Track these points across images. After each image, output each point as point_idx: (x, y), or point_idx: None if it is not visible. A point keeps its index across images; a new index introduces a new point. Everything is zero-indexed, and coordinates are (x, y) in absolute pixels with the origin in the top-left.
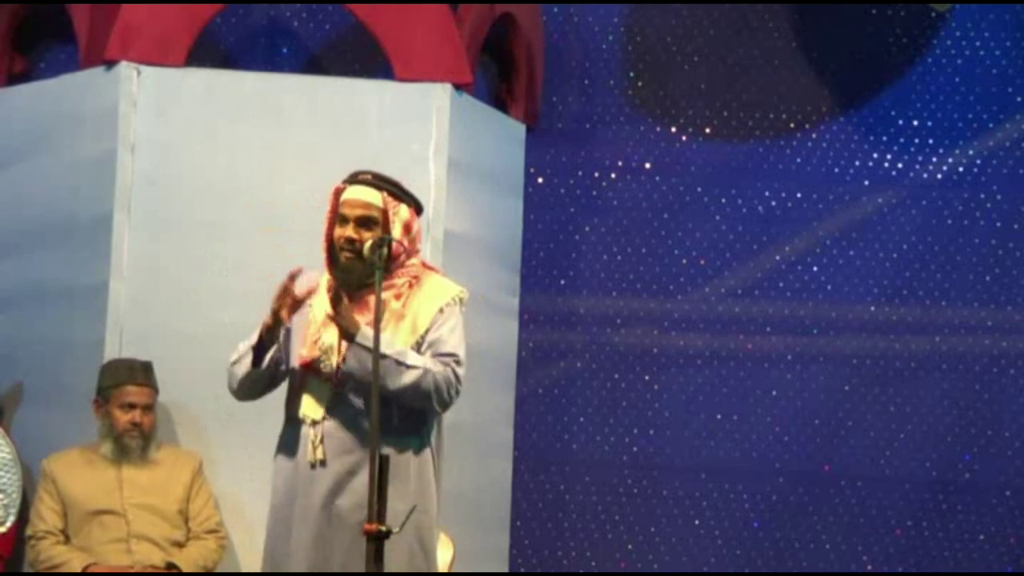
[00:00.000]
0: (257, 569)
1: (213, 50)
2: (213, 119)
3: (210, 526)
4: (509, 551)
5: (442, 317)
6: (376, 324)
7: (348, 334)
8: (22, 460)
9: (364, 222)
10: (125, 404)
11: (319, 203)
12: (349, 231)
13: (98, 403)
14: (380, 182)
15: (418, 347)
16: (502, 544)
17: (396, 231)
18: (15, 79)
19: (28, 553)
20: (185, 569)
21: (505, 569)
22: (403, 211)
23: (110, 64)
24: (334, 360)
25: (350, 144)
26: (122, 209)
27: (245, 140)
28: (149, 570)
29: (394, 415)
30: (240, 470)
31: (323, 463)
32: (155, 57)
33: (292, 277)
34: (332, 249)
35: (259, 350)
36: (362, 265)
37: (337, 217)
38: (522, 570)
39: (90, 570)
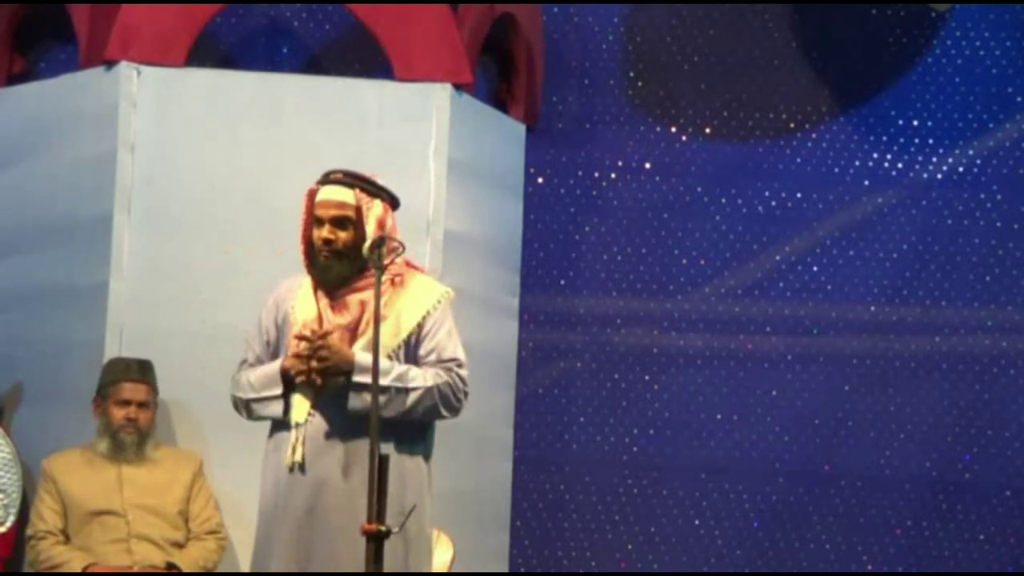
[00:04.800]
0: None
1: (213, 50)
2: (213, 119)
3: (210, 527)
4: (509, 551)
5: (433, 322)
6: (376, 325)
7: (346, 376)
8: (22, 460)
9: (338, 222)
10: (121, 400)
11: None
12: (325, 232)
13: (96, 402)
14: (352, 179)
15: (405, 347)
16: (502, 544)
17: (370, 228)
18: (15, 79)
19: (28, 553)
20: (185, 569)
21: (505, 569)
22: (376, 207)
23: (110, 64)
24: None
25: (350, 144)
26: (122, 209)
27: (245, 140)
28: (149, 570)
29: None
30: (240, 470)
31: (301, 466)
32: (155, 57)
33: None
34: (311, 250)
35: (285, 399)
36: (339, 265)
37: (313, 219)
38: (522, 570)
39: (90, 570)
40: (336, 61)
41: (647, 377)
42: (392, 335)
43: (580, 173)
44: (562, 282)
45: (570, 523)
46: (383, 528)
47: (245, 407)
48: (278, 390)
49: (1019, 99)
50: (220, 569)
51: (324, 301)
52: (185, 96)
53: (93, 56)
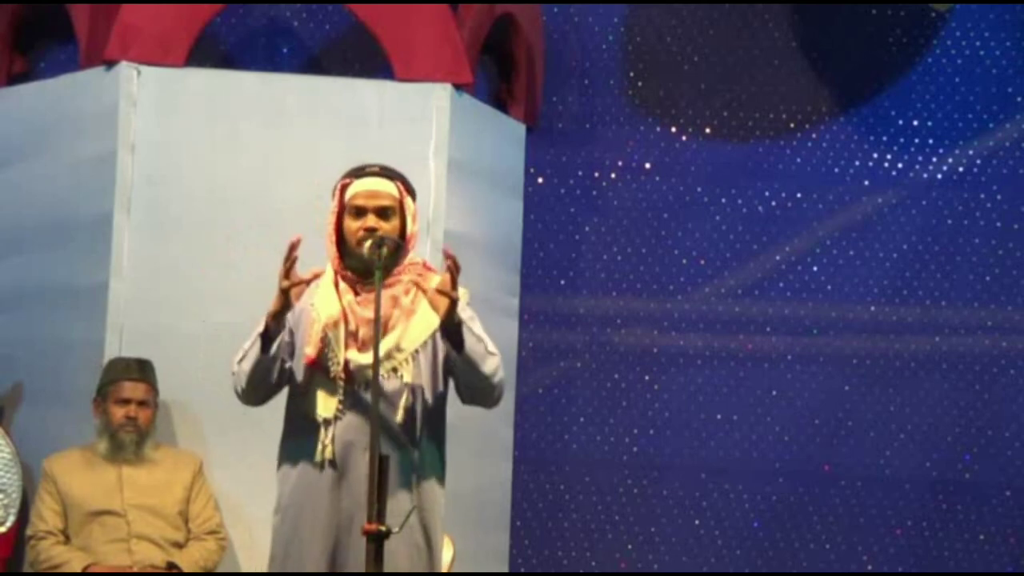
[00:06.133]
0: (256, 569)
1: (213, 50)
2: (213, 119)
3: (210, 527)
4: (509, 551)
5: (468, 316)
6: (376, 324)
7: (457, 316)
8: (22, 460)
9: (382, 212)
10: (120, 400)
11: (319, 203)
12: (370, 222)
13: (97, 402)
14: (391, 173)
15: (432, 343)
16: (502, 544)
17: (409, 223)
18: (15, 79)
19: (28, 553)
20: (185, 569)
21: (505, 569)
22: (410, 204)
23: (110, 64)
24: (340, 357)
25: (350, 144)
26: (122, 209)
27: (245, 140)
28: (149, 570)
29: (418, 419)
30: (240, 470)
31: (332, 463)
32: (155, 57)
33: (293, 247)
34: (342, 243)
35: (265, 337)
36: (390, 250)
37: (349, 209)
38: (522, 570)
39: (90, 570)
40: (336, 61)
41: (647, 377)
42: (421, 330)
43: (580, 173)
44: (562, 282)
45: (570, 523)
46: (383, 528)
47: (237, 378)
48: (260, 328)
49: (1019, 99)
50: (220, 569)
51: (348, 296)
52: (185, 96)
53: (93, 56)
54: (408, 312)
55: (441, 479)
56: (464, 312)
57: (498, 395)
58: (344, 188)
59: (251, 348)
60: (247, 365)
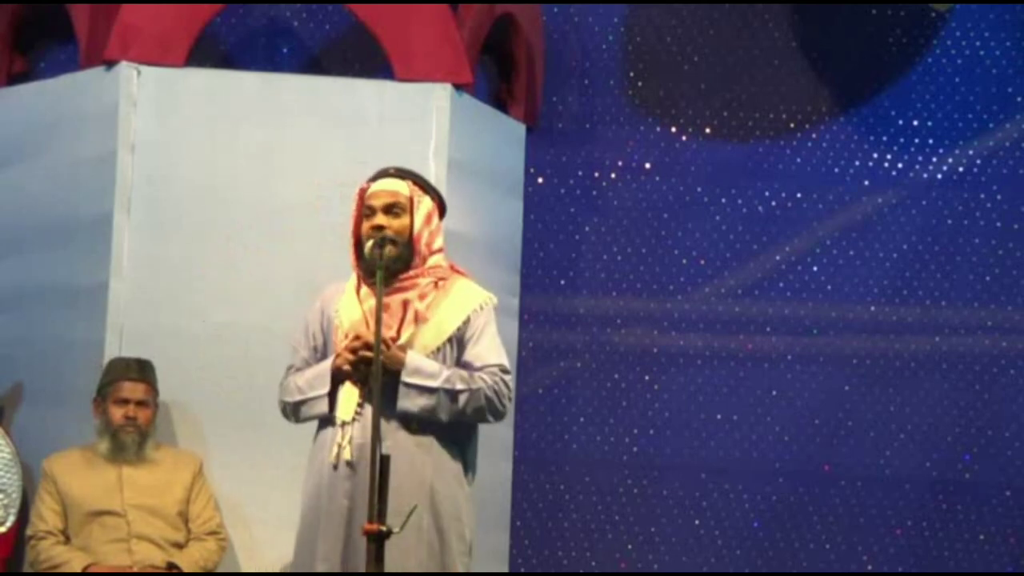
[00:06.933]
0: (256, 568)
1: (213, 50)
2: (213, 119)
3: (210, 527)
4: (509, 551)
5: (476, 327)
6: (377, 322)
7: (394, 375)
8: (22, 460)
9: (389, 208)
10: (120, 400)
11: (319, 203)
12: (377, 220)
13: (97, 402)
14: (404, 173)
15: (449, 348)
16: (502, 544)
17: (418, 220)
18: (15, 79)
19: (28, 553)
20: (185, 569)
21: (505, 569)
22: (426, 202)
23: (110, 64)
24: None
25: (350, 144)
26: (122, 209)
27: (245, 140)
28: (149, 570)
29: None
30: (240, 470)
31: (349, 464)
32: (155, 57)
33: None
34: (359, 246)
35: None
36: (395, 251)
37: (363, 211)
38: (522, 570)
39: (90, 570)
40: (336, 61)
41: (647, 377)
42: (433, 337)
43: (580, 173)
44: (562, 282)
45: (570, 523)
46: (383, 528)
47: (293, 410)
48: (325, 388)
49: (1019, 99)
50: (220, 569)
51: (370, 301)
52: (185, 96)
53: (93, 56)
54: (421, 318)
55: (460, 478)
56: (480, 318)
57: (487, 419)
58: (363, 193)
59: (317, 400)
60: (309, 412)
